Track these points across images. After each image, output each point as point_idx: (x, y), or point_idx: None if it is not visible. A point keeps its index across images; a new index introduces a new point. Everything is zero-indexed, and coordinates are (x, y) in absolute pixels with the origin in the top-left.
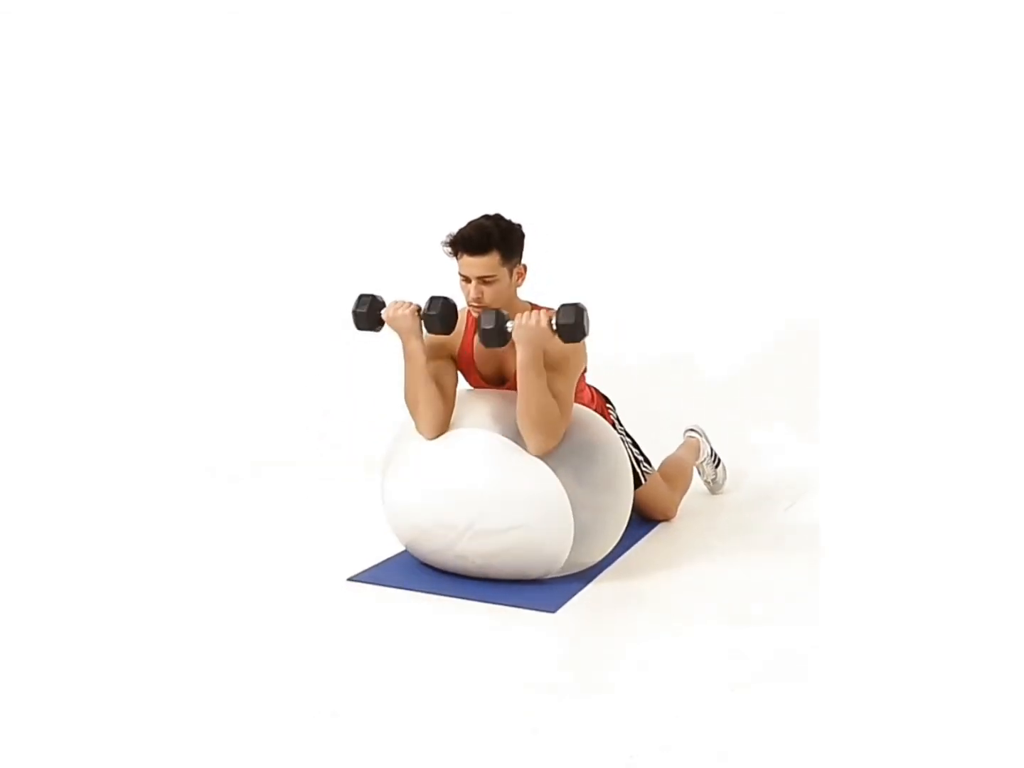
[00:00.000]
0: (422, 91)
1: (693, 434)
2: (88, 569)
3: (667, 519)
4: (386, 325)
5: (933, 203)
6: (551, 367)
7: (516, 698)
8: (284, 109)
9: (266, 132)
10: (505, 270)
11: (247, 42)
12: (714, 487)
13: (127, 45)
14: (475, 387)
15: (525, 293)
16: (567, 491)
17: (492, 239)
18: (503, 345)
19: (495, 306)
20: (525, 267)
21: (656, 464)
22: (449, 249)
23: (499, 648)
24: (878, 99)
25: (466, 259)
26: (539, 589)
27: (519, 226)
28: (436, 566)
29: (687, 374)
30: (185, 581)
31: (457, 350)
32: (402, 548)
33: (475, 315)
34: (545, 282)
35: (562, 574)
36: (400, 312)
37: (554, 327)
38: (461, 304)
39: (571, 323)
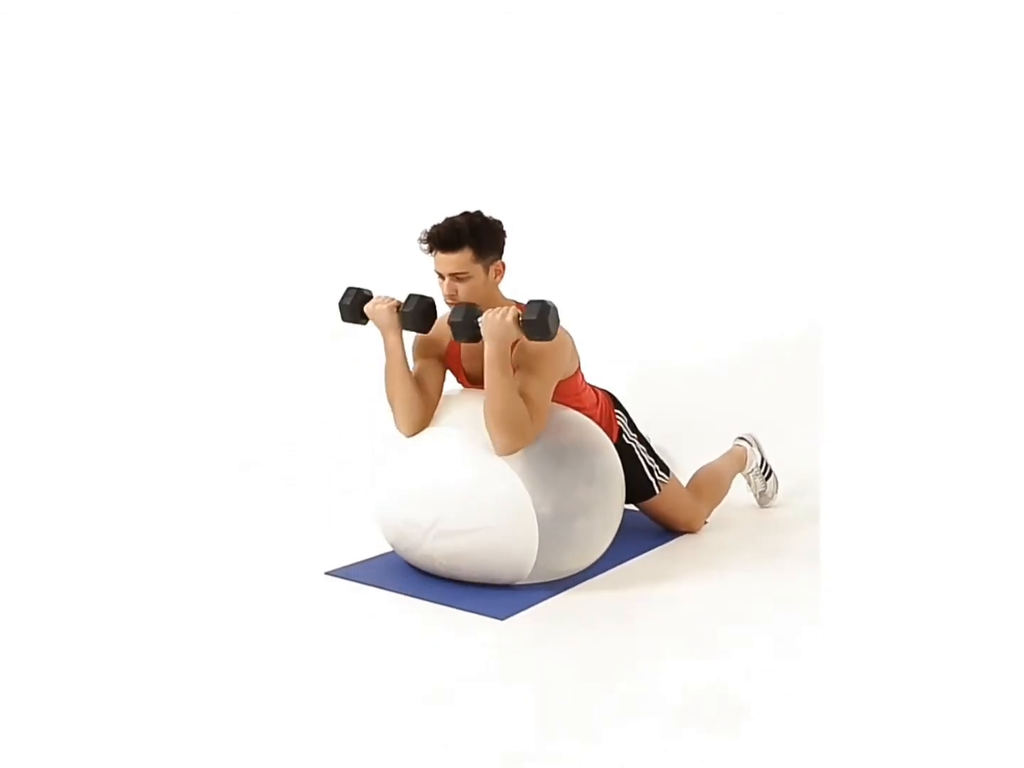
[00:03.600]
0: (420, 91)
1: (742, 442)
2: (71, 564)
3: (691, 531)
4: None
5: (937, 204)
6: (527, 368)
7: (404, 705)
8: (278, 109)
9: (264, 131)
10: (479, 267)
11: (244, 42)
12: (763, 500)
13: (127, 45)
14: (463, 386)
15: (518, 293)
16: (533, 495)
17: (463, 236)
18: (475, 340)
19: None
20: (504, 264)
21: (687, 473)
22: (425, 246)
23: (420, 651)
24: (879, 99)
25: (439, 256)
26: (502, 595)
27: (498, 222)
28: (411, 564)
29: (762, 382)
30: (173, 569)
31: (445, 349)
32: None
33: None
34: (560, 284)
35: (536, 581)
36: (378, 308)
37: (520, 322)
38: (443, 304)
39: (534, 319)
